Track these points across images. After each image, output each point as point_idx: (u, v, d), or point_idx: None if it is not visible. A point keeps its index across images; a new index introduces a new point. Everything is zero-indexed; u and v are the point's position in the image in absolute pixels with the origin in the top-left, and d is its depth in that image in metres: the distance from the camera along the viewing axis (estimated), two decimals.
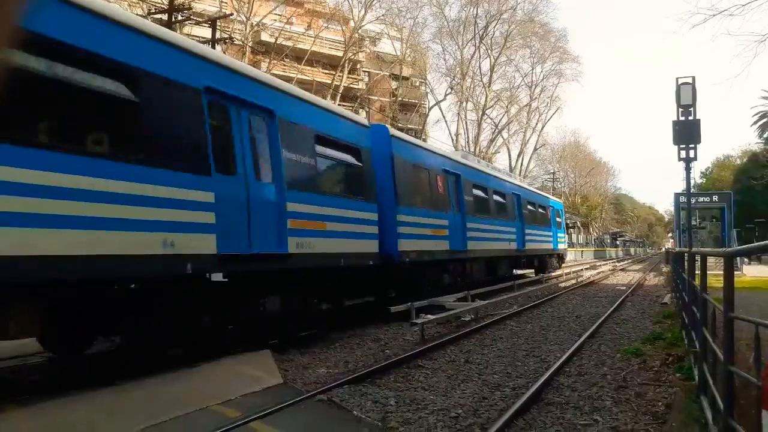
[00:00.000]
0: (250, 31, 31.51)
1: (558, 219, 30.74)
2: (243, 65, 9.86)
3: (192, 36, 23.91)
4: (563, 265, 33.36)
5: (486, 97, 49.78)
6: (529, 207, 25.14)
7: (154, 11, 23.55)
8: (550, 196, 34.76)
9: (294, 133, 9.40)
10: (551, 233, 28.64)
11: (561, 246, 31.41)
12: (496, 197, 20.65)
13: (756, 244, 5.43)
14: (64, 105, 6.03)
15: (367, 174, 12.01)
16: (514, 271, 24.10)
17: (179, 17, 23.33)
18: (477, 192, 18.61)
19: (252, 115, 8.59)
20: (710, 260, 5.94)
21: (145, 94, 6.68)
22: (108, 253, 6.04)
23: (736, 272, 3.95)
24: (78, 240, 5.74)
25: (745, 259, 27.82)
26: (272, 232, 8.76)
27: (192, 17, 24.71)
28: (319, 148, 10.29)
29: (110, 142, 6.37)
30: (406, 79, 47.95)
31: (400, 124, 41.29)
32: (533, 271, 27.08)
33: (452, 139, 47.73)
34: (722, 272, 3.87)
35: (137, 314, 7.28)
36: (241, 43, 30.47)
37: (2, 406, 5.51)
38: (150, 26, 7.51)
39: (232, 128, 8.15)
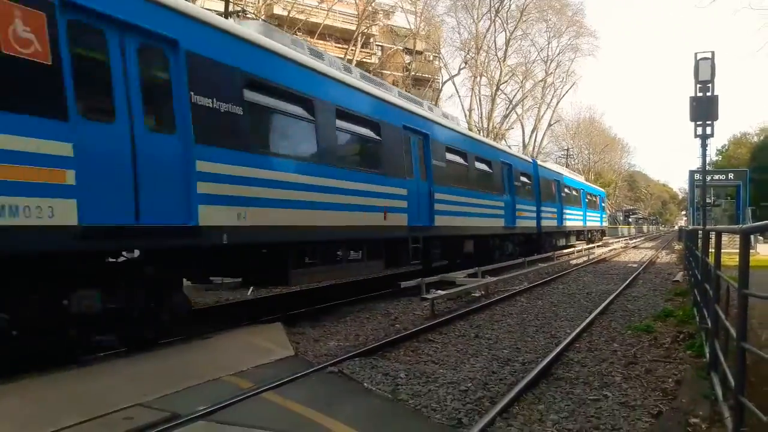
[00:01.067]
0: (262, 4, 31.23)
1: (603, 204, 42.58)
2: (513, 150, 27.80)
3: (204, 8, 23.67)
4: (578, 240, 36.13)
5: (500, 72, 49.07)
6: (588, 197, 35.67)
7: None
8: (599, 188, 45.85)
9: (517, 174, 21.09)
10: (599, 215, 39.54)
11: (604, 224, 43.86)
12: (573, 192, 31.31)
13: None
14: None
15: (532, 186, 23.21)
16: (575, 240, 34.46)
17: None
18: (566, 190, 29.26)
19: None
20: (723, 239, 5.88)
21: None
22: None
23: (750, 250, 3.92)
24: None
25: (760, 237, 27.61)
26: (513, 218, 19.92)
27: None
28: (522, 178, 21.69)
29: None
30: (419, 53, 47.38)
31: None
32: (585, 241, 35.98)
33: (465, 115, 47.27)
34: (735, 250, 3.84)
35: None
36: (254, 16, 30.22)
37: (19, 375, 5.63)
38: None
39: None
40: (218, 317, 9.93)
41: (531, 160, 25.02)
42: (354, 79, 11.33)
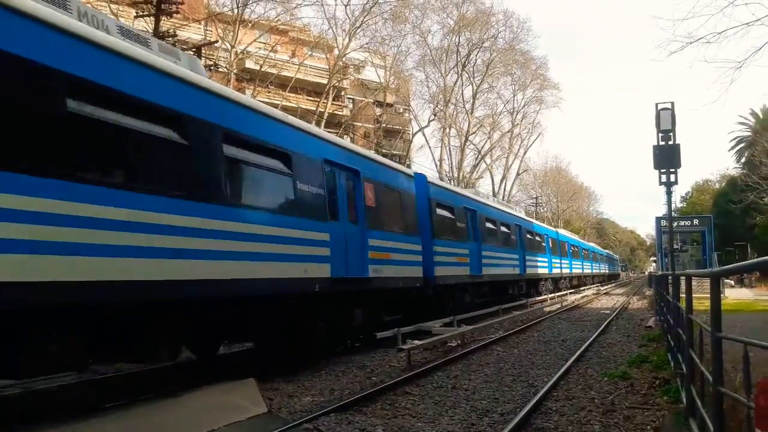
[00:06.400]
0: (234, 58, 31.63)
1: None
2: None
3: None
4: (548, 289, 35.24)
5: (469, 124, 50.26)
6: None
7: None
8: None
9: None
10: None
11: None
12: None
13: (742, 263, 5.47)
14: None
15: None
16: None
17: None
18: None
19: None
20: (693, 283, 5.98)
21: None
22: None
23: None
24: None
25: (731, 282, 28.16)
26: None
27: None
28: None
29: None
30: (390, 105, 48.29)
31: (384, 150, 41.46)
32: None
33: (436, 165, 48.02)
34: (705, 294, 3.90)
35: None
36: (226, 70, 30.59)
37: None
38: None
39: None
40: (188, 375, 9.63)
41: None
42: None
